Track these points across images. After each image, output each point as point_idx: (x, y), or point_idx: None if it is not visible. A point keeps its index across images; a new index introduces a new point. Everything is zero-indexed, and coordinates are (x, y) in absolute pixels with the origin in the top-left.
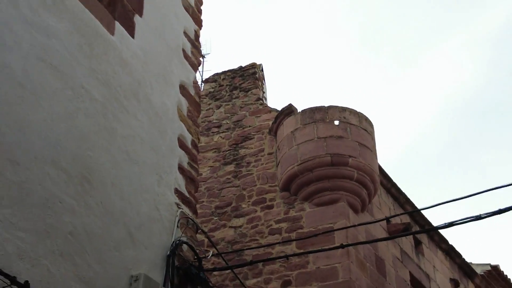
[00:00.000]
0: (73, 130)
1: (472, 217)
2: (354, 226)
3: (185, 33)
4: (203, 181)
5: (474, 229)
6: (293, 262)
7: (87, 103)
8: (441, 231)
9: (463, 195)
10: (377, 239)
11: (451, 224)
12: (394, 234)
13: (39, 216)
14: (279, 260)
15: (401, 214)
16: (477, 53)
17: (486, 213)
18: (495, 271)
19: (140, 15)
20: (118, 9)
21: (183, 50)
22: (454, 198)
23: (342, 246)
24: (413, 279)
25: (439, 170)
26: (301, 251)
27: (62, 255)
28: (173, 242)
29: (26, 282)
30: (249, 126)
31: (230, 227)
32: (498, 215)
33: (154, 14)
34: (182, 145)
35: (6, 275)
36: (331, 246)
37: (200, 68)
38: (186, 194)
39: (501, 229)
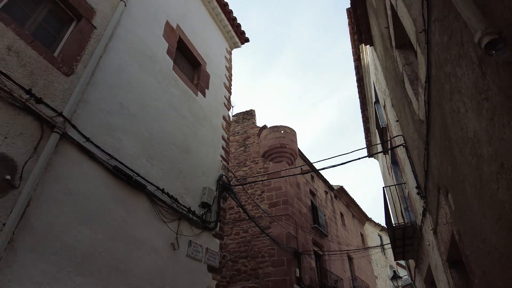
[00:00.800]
0: (180, 133)
1: (334, 165)
2: (288, 168)
3: (224, 97)
4: (232, 153)
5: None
6: (266, 184)
7: (186, 122)
8: (322, 172)
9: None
10: (295, 174)
11: (322, 169)
12: (304, 172)
13: (174, 161)
14: (261, 182)
15: (303, 165)
16: None
17: (338, 164)
18: (342, 189)
19: (208, 88)
20: (199, 86)
21: (224, 104)
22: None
23: (283, 176)
24: (311, 191)
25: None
26: (269, 178)
27: (179, 177)
28: (219, 175)
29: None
30: (249, 133)
31: (242, 170)
32: (346, 164)
33: (213, 88)
34: (223, 138)
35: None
36: (280, 177)
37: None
38: (225, 157)
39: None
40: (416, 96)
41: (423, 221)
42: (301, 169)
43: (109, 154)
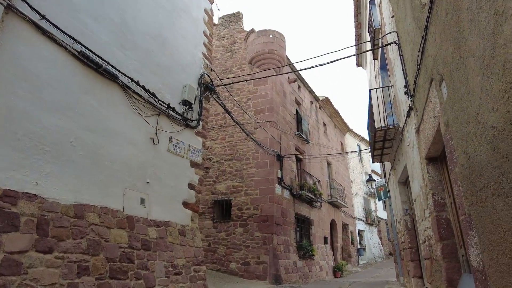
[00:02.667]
0: (156, 22)
1: (321, 64)
2: (278, 74)
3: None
4: (217, 59)
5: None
6: (252, 91)
7: (163, 11)
8: (308, 82)
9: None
10: (283, 73)
11: (308, 68)
12: (291, 81)
13: (150, 53)
14: (247, 90)
15: (290, 72)
16: None
17: (325, 63)
18: (327, 100)
19: None
20: None
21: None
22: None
23: (268, 76)
24: (297, 100)
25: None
26: (251, 79)
27: (156, 72)
28: (201, 73)
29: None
30: (236, 38)
31: (229, 74)
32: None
33: None
34: (205, 34)
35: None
36: (263, 77)
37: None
38: (207, 55)
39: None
40: None
41: (406, 122)
42: (288, 77)
43: (72, 38)
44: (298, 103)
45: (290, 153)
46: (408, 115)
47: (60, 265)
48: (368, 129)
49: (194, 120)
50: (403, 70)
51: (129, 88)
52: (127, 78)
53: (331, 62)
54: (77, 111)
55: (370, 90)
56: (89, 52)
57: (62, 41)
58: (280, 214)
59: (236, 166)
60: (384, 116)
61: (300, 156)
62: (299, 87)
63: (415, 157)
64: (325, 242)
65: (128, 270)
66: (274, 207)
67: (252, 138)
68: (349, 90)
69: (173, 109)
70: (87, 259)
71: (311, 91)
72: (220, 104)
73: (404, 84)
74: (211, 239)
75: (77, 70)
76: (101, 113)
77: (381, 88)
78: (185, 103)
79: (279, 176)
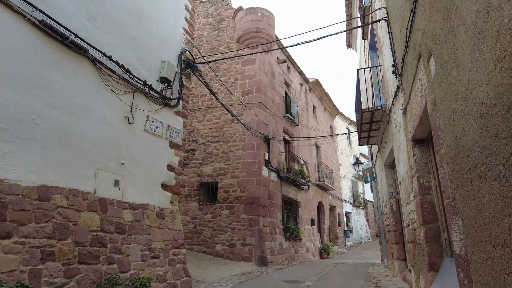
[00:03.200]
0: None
1: (303, 42)
2: (267, 51)
3: None
4: (204, 37)
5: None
6: (239, 71)
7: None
8: (298, 63)
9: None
10: (271, 50)
11: (296, 44)
12: (280, 62)
13: (124, 25)
14: (232, 63)
15: (278, 49)
16: None
17: (314, 39)
18: (317, 82)
19: None
20: None
21: None
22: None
23: (253, 52)
24: (286, 82)
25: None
26: (237, 55)
27: (131, 46)
28: (181, 49)
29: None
30: (224, 15)
31: (215, 56)
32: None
33: None
34: (186, 9)
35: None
36: (257, 53)
37: None
38: (189, 31)
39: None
40: None
41: (393, 103)
42: (278, 57)
43: (31, 4)
44: (287, 84)
45: (278, 136)
46: (396, 95)
47: (20, 250)
48: (355, 110)
49: (173, 99)
50: (391, 48)
51: (100, 63)
52: (98, 52)
53: (319, 38)
54: (41, 86)
55: (358, 70)
56: (53, 22)
57: (19, 7)
58: (267, 197)
59: (222, 148)
60: (372, 98)
61: (289, 139)
62: (288, 68)
63: (401, 139)
64: (312, 224)
65: (100, 255)
66: (261, 189)
67: (238, 120)
68: (340, 72)
69: (150, 87)
70: (52, 244)
71: (301, 73)
72: (202, 83)
73: (392, 63)
74: (197, 221)
75: (39, 42)
76: (69, 89)
77: (369, 68)
78: (164, 80)
79: (266, 158)
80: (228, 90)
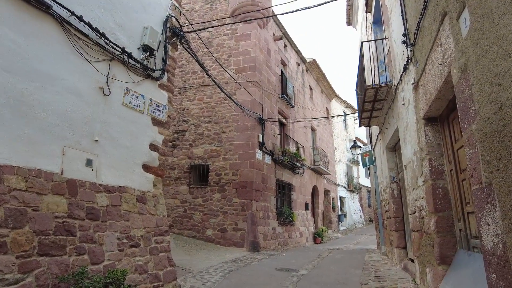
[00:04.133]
0: None
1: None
2: (263, 18)
3: None
4: (196, 11)
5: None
6: (233, 48)
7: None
8: (295, 41)
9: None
10: (265, 17)
11: (291, 12)
12: (276, 39)
13: None
14: (226, 38)
15: (273, 16)
16: None
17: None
18: (314, 62)
19: None
20: None
21: None
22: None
23: (247, 19)
24: (282, 61)
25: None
26: (225, 23)
27: (106, 7)
28: (167, 15)
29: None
30: None
31: (207, 31)
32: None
33: None
34: None
35: None
36: (252, 20)
37: None
38: (176, 3)
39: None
40: None
41: (401, 79)
42: (274, 34)
43: None
44: (283, 63)
45: (273, 117)
46: (405, 69)
47: None
48: (356, 88)
49: (157, 70)
50: (402, 15)
51: (69, 24)
52: (66, 10)
53: (320, 4)
54: None
55: (362, 42)
56: None
57: None
58: (260, 180)
59: (214, 129)
60: (376, 75)
61: (284, 121)
62: (285, 46)
63: (410, 118)
64: (306, 208)
65: (67, 244)
66: (254, 172)
67: (232, 99)
68: (337, 54)
69: (130, 55)
70: (3, 233)
71: (298, 52)
72: (191, 54)
73: (402, 32)
74: (187, 205)
75: None
76: (28, 51)
77: (374, 41)
78: (146, 48)
79: (260, 140)
80: (221, 66)
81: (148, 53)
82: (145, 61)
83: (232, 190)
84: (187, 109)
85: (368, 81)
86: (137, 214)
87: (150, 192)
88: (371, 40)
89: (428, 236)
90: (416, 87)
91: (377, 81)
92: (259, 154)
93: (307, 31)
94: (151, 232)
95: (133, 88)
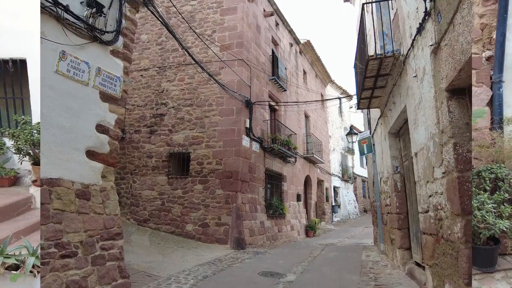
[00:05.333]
0: None
1: None
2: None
3: None
4: None
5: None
6: (218, 22)
7: None
8: (288, 20)
9: None
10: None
11: None
12: (267, 15)
13: None
14: (210, 12)
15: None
16: None
17: None
18: (308, 44)
19: None
20: None
21: None
22: None
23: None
24: (273, 40)
25: None
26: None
27: None
28: None
29: None
30: None
31: (190, 5)
32: None
33: None
34: None
35: None
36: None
37: None
38: None
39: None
40: None
41: (413, 45)
42: (264, 9)
43: None
44: (275, 43)
45: (262, 100)
46: (421, 29)
47: None
48: (355, 62)
49: (108, 32)
50: None
51: None
52: None
53: None
54: None
55: (363, 4)
56: None
57: None
58: (247, 170)
59: (196, 113)
60: (378, 46)
61: (275, 105)
62: (277, 24)
63: (425, 92)
64: (298, 199)
65: None
66: (240, 161)
67: (215, 80)
68: (333, 37)
69: (66, 8)
70: None
71: (291, 31)
72: (157, 18)
73: None
74: (165, 197)
75: None
76: None
77: (378, 2)
78: (91, 3)
79: (248, 126)
80: (203, 42)
81: (94, 10)
82: (91, 20)
83: (215, 180)
84: (166, 91)
85: (370, 51)
86: (76, 213)
87: (96, 185)
88: (374, 1)
89: (450, 245)
90: (436, 50)
91: (383, 50)
92: (246, 141)
93: (300, 8)
94: (96, 236)
95: (73, 52)
